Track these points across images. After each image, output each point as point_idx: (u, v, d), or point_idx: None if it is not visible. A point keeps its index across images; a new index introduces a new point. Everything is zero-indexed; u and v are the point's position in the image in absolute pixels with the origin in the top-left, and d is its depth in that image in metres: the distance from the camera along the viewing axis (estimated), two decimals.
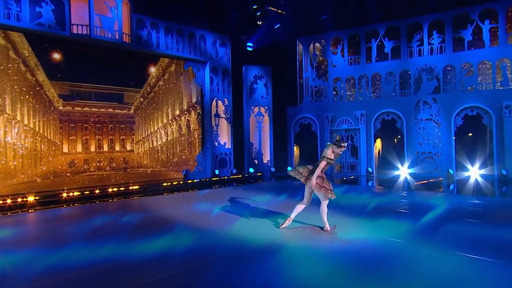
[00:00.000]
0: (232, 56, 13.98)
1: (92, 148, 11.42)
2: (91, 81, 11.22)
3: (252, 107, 14.70)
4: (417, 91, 12.91)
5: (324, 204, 5.40)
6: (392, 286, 3.44)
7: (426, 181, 10.64)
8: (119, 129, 12.06)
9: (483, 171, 11.61)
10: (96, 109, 11.48)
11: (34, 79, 10.13)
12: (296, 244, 4.83)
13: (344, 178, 11.82)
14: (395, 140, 13.65)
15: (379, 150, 13.66)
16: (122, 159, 12.08)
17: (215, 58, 13.56)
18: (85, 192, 9.12)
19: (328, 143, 5.55)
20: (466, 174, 11.92)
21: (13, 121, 9.68)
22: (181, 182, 11.50)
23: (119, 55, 11.48)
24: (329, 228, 5.39)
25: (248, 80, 14.67)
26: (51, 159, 10.42)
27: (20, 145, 9.81)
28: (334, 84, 14.32)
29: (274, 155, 14.80)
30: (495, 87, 11.76)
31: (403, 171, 12.78)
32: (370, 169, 13.05)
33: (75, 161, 11.02)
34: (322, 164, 5.26)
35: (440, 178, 11.57)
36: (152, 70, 12.51)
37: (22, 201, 8.05)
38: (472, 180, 11.01)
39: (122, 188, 9.86)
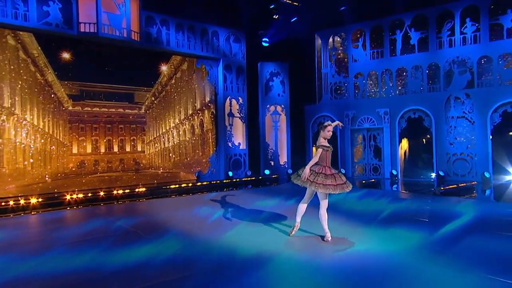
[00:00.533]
0: (247, 53, 13.71)
1: (102, 149, 11.54)
2: (101, 80, 11.33)
3: (268, 106, 14.36)
4: (447, 86, 12.03)
5: (323, 206, 4.99)
6: None
7: (456, 186, 9.83)
8: (129, 129, 12.12)
9: None
10: (106, 109, 11.59)
11: (43, 79, 10.34)
12: (289, 255, 4.47)
13: (363, 182, 11.19)
14: (424, 140, 12.82)
15: (405, 151, 12.88)
16: (132, 160, 12.13)
17: (228, 54, 13.35)
18: (89, 195, 9.13)
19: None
20: (506, 178, 10.95)
21: (23, 122, 9.92)
22: (190, 185, 11.37)
23: (129, 54, 11.51)
24: (330, 238, 4.97)
25: (264, 78, 14.35)
26: (60, 160, 10.59)
27: (30, 146, 10.03)
28: (355, 80, 13.69)
29: (292, 156, 14.38)
30: None
31: (432, 174, 11.95)
32: (394, 172, 12.32)
33: (85, 162, 11.17)
34: (318, 152, 4.93)
35: (474, 182, 10.68)
36: (164, 68, 12.49)
37: (25, 203, 8.17)
38: None
39: (128, 191, 9.82)
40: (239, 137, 13.79)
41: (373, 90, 13.55)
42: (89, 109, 11.26)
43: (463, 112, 11.65)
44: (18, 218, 7.29)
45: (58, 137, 10.67)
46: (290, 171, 13.78)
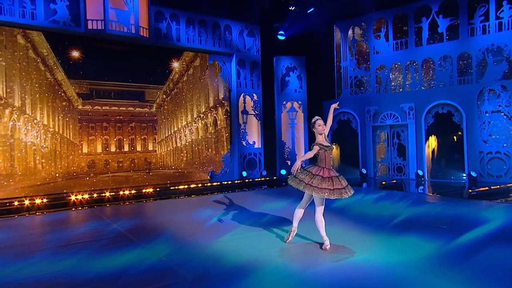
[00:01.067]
0: (262, 47, 13.44)
1: (113, 149, 11.64)
2: (110, 78, 11.42)
3: (284, 102, 14.03)
4: (480, 77, 11.21)
5: (319, 211, 4.66)
6: None
7: (488, 188, 9.11)
8: (140, 128, 12.17)
9: None
10: (116, 108, 11.68)
11: (53, 78, 10.54)
12: (279, 264, 4.19)
13: (384, 183, 10.63)
14: (455, 137, 12.03)
15: (433, 149, 12.15)
16: (144, 160, 12.18)
17: (242, 49, 13.13)
18: (94, 195, 9.21)
19: None
20: None
21: (33, 121, 10.16)
22: (199, 185, 11.26)
23: (139, 51, 11.55)
24: (328, 246, 4.63)
25: (280, 73, 14.02)
26: (70, 159, 10.78)
27: (40, 146, 10.26)
28: (377, 73, 13.07)
29: None
30: None
31: (463, 175, 11.19)
32: (420, 172, 11.64)
33: (95, 162, 11.31)
34: (314, 149, 4.65)
35: (511, 185, 9.87)
36: (175, 65, 12.44)
37: (30, 203, 8.33)
38: None
39: (134, 191, 9.83)
40: (254, 136, 13.55)
41: (396, 84, 12.88)
42: (99, 108, 11.38)
43: (498, 106, 10.81)
44: (18, 219, 7.43)
45: (68, 137, 10.86)
46: None
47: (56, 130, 10.62)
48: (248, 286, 3.61)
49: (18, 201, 8.39)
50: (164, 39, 11.55)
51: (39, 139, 10.25)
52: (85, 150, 11.18)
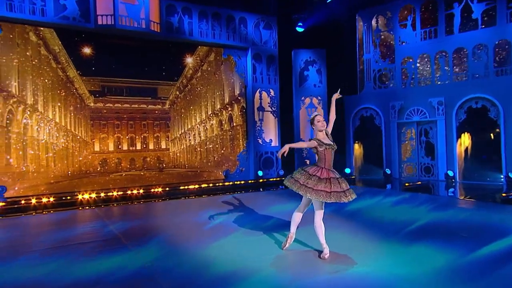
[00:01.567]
0: (279, 40, 13.09)
1: (125, 147, 11.71)
2: (122, 75, 11.46)
3: (303, 98, 13.63)
4: None
5: (318, 215, 4.31)
6: None
7: None
8: (153, 125, 12.17)
9: None
10: (128, 105, 11.72)
11: (65, 75, 10.71)
12: (269, 274, 3.90)
13: (407, 184, 10.00)
14: (491, 135, 11.17)
15: (466, 148, 11.35)
16: (156, 158, 12.18)
17: (258, 43, 12.84)
18: (101, 195, 9.23)
19: None
20: None
21: (45, 119, 10.35)
22: (211, 185, 11.11)
23: (150, 46, 11.52)
24: (327, 254, 4.29)
25: (298, 67, 13.63)
26: (81, 158, 10.92)
27: (52, 144, 10.44)
28: (402, 65, 12.37)
29: None
30: None
31: (500, 176, 10.36)
32: (450, 173, 10.90)
33: (107, 160, 11.41)
34: (312, 143, 4.35)
35: None
36: (189, 60, 12.34)
37: (36, 202, 8.46)
38: None
39: (142, 191, 9.81)
40: (270, 133, 13.24)
41: (424, 77, 12.14)
42: (111, 105, 11.46)
43: None
44: (22, 219, 7.53)
45: (80, 135, 11.00)
46: None
47: (68, 128, 10.79)
48: None
49: (25, 200, 8.54)
50: (176, 34, 11.46)
51: (51, 137, 10.43)
52: (97, 148, 11.30)
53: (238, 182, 11.66)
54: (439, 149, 11.41)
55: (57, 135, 10.52)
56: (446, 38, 11.39)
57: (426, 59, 11.99)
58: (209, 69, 12.81)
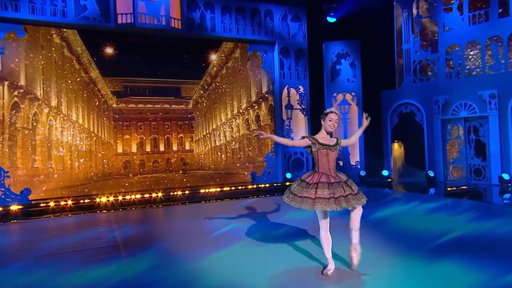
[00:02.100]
0: (308, 32, 12.57)
1: (148, 148, 11.76)
2: (144, 75, 11.51)
3: (335, 94, 12.98)
4: None
5: (322, 227, 3.85)
6: None
7: None
8: (176, 126, 12.14)
9: None
10: (151, 105, 11.76)
11: (87, 76, 10.94)
12: None
13: (449, 189, 9.06)
14: None
15: None
16: (180, 160, 12.13)
17: (285, 36, 12.41)
18: (119, 198, 9.28)
19: None
20: None
21: (69, 121, 10.62)
22: (233, 188, 10.84)
23: (172, 44, 11.49)
24: (331, 270, 3.80)
25: (330, 60, 13.00)
26: (105, 160, 11.09)
27: (76, 146, 10.69)
28: (447, 55, 11.33)
29: (365, 154, 12.71)
30: None
31: None
32: (506, 176, 9.77)
33: (130, 162, 11.52)
34: (304, 141, 3.93)
35: None
36: (213, 57, 12.18)
37: (55, 205, 8.65)
38: None
39: (161, 194, 9.75)
40: (300, 133, 12.72)
41: (473, 67, 11.03)
42: (134, 105, 11.55)
43: None
44: (35, 222, 7.68)
45: (103, 137, 11.19)
46: (363, 172, 12.19)
47: (92, 129, 11.00)
48: None
49: (44, 203, 8.76)
50: (197, 30, 11.32)
51: (75, 139, 10.68)
52: (119, 150, 11.43)
53: (263, 185, 11.30)
54: (491, 148, 10.29)
55: (81, 136, 10.76)
56: (500, 21, 10.24)
57: (475, 47, 10.89)
58: (234, 66, 12.57)
